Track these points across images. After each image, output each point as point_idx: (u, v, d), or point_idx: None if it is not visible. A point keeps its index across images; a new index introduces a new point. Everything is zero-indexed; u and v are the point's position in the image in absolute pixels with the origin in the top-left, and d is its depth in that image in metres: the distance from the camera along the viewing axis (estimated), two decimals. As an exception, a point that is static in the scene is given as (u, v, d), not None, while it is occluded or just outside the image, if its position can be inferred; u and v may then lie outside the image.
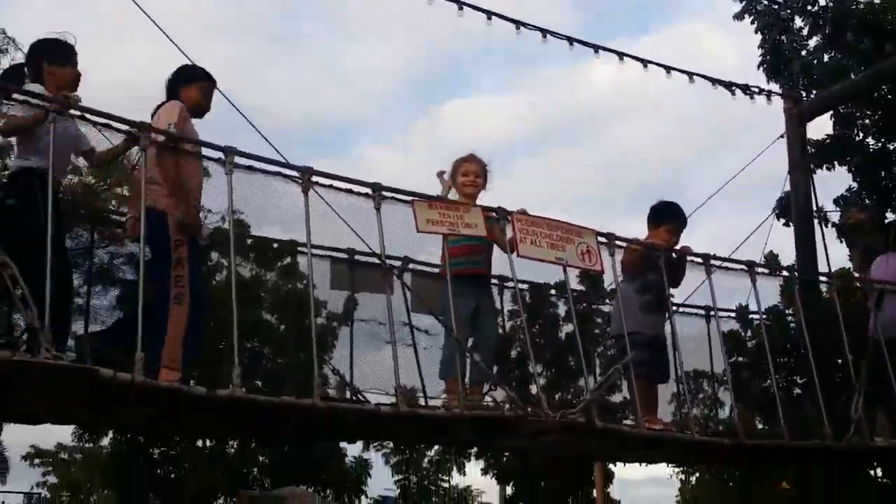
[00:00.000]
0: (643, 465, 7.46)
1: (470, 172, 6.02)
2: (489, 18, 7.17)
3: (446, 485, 42.36)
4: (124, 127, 4.72)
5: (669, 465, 8.16)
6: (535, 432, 5.10)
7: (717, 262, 6.06)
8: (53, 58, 5.03)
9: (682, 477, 37.63)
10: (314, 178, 5.02)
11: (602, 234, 5.58)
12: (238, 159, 4.88)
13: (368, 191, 5.16)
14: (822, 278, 7.75)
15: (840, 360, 7.24)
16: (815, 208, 8.76)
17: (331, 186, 5.12)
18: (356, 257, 6.02)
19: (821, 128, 16.17)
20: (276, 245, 5.60)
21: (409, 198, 5.26)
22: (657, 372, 6.04)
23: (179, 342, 4.77)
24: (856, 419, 6.29)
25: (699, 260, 6.04)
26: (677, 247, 6.24)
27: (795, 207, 8.79)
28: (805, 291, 7.86)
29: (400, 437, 9.15)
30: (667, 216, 6.45)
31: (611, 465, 33.02)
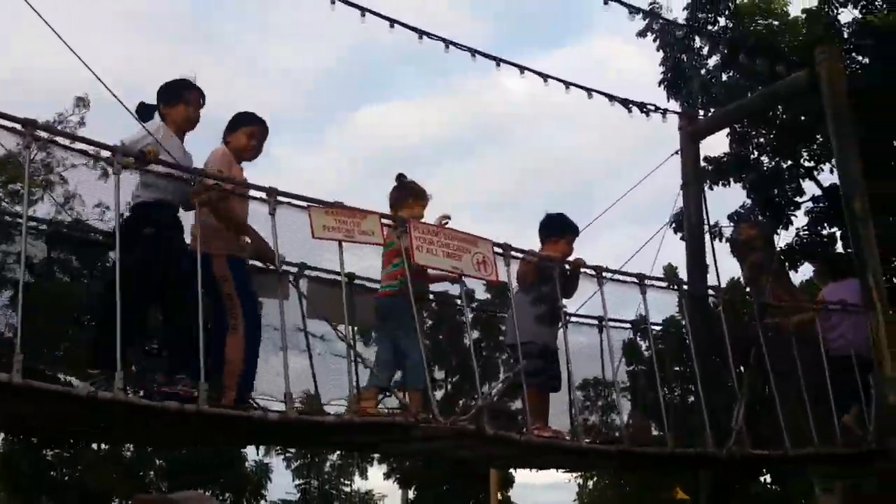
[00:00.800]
0: (534, 470, 7.59)
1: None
2: (392, 26, 7.21)
3: (348, 489, 42.15)
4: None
5: (559, 471, 8.37)
6: (427, 438, 5.14)
7: (609, 275, 6.22)
8: (167, 99, 5.43)
9: (580, 482, 38.47)
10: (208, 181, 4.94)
11: (498, 245, 5.66)
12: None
13: (263, 195, 5.11)
14: (710, 291, 8.03)
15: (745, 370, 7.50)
16: (706, 223, 9.08)
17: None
18: (251, 262, 5.94)
19: (719, 145, 16.84)
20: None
21: (306, 203, 5.23)
22: (549, 381, 6.16)
23: (236, 367, 5.18)
24: (737, 429, 6.55)
25: (592, 272, 6.19)
26: (571, 258, 6.37)
27: (688, 222, 9.10)
28: (695, 304, 8.14)
29: (291, 442, 9.07)
30: (566, 228, 6.56)
31: (511, 470, 33.54)
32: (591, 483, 37.60)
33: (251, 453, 36.77)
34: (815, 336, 8.07)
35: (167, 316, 5.21)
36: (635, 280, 6.45)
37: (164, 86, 5.49)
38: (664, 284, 6.73)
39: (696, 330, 8.00)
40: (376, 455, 27.84)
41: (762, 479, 27.77)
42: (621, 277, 6.40)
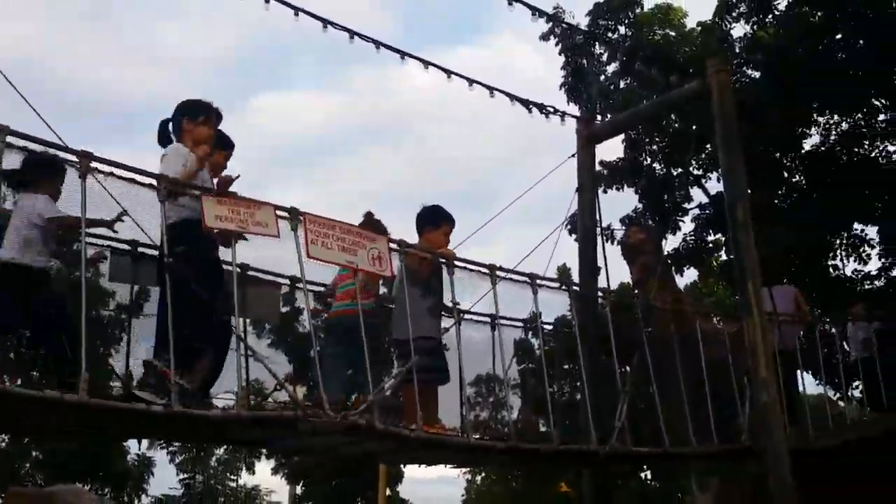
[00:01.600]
0: (423, 466, 7.61)
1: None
2: (296, 14, 7.09)
3: (234, 484, 41.33)
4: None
5: (448, 466, 8.43)
6: (316, 433, 5.08)
7: (502, 273, 6.29)
8: (194, 114, 5.48)
9: (469, 477, 38.91)
10: (94, 164, 4.74)
11: (394, 241, 5.65)
12: (14, 140, 4.61)
13: (153, 182, 4.95)
14: (600, 293, 8.23)
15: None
16: (599, 227, 9.29)
17: (111, 174, 4.86)
18: (139, 250, 5.76)
19: (614, 150, 17.31)
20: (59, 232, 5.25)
21: (198, 192, 5.09)
22: (439, 376, 6.17)
23: None
24: (619, 426, 6.74)
25: (486, 270, 6.24)
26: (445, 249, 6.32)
27: (581, 225, 9.29)
28: (584, 304, 8.33)
29: (177, 436, 8.82)
30: (443, 218, 6.55)
31: (401, 465, 33.62)
32: (479, 478, 38.07)
33: (133, 446, 35.66)
34: (696, 339, 8.45)
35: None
36: (527, 279, 6.55)
37: (192, 102, 5.59)
38: (555, 284, 6.85)
39: (585, 330, 8.21)
40: (264, 451, 27.40)
41: (644, 475, 28.74)
42: (514, 276, 6.48)
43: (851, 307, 11.66)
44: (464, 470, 38.48)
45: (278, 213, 5.26)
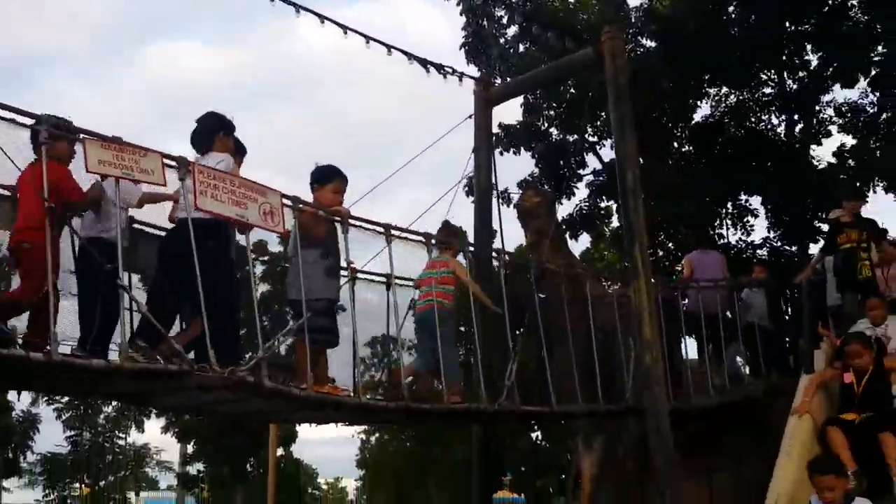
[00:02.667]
0: (315, 425, 7.54)
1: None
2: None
3: (123, 442, 40.32)
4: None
5: (340, 425, 8.34)
6: (202, 388, 4.95)
7: (397, 232, 6.24)
8: (228, 129, 5.86)
9: (363, 437, 39.12)
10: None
11: (287, 197, 5.51)
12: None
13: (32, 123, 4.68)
14: (493, 254, 8.26)
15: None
16: (495, 188, 9.35)
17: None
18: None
19: (513, 114, 17.42)
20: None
21: (83, 136, 4.83)
22: (329, 337, 6.09)
23: None
24: (508, 385, 6.84)
25: (380, 229, 6.18)
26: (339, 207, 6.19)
27: (477, 186, 9.33)
28: (479, 266, 8.38)
29: (60, 389, 8.47)
30: (330, 174, 6.40)
31: (295, 425, 33.49)
32: (373, 438, 38.30)
33: (19, 403, 34.22)
34: (587, 302, 8.64)
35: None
36: (422, 239, 6.52)
37: (222, 117, 5.93)
38: (415, 238, 6.81)
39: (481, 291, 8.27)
40: (153, 409, 26.72)
41: (535, 437, 29.52)
42: (409, 236, 6.44)
43: (755, 272, 11.85)
44: (358, 430, 38.74)
45: (166, 161, 5.04)
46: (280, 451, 36.10)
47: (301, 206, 5.58)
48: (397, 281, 6.81)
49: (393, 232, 6.21)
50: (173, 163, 5.13)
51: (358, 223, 6.07)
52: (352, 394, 6.03)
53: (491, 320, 7.71)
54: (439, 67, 8.41)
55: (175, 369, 4.57)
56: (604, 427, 10.74)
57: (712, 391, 9.44)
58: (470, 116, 9.10)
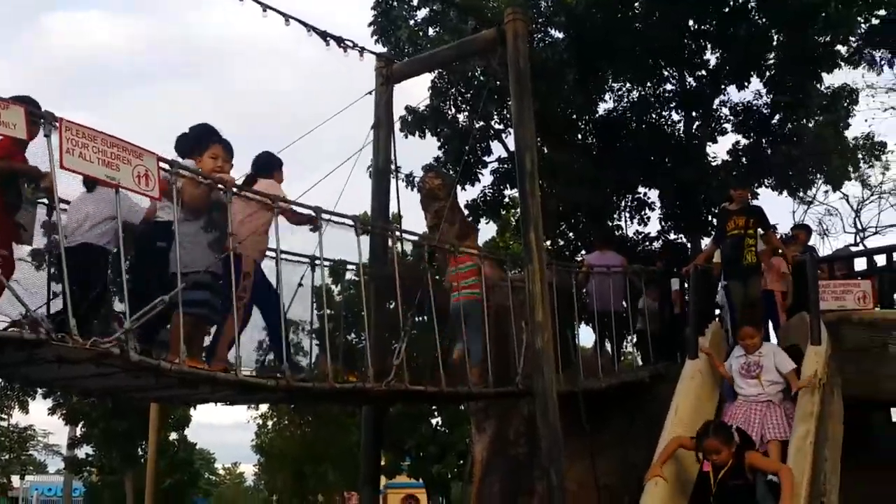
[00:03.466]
0: (195, 408, 7.27)
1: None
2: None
3: (5, 423, 38.49)
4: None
5: (220, 405, 8.06)
6: (62, 360, 4.66)
7: (285, 205, 6.03)
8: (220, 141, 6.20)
9: (260, 422, 38.56)
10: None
11: (165, 161, 5.24)
12: None
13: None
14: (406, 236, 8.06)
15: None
16: (394, 166, 9.23)
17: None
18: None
19: (421, 97, 17.29)
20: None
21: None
22: (207, 311, 5.85)
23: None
24: (396, 364, 6.74)
25: (268, 201, 5.96)
26: (225, 175, 5.96)
27: (375, 164, 9.18)
28: (377, 246, 8.26)
29: None
30: (208, 138, 6.13)
31: (192, 410, 32.70)
32: (270, 423, 37.80)
33: None
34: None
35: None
36: (312, 212, 6.34)
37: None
38: (342, 220, 6.67)
39: (376, 272, 8.18)
40: (39, 390, 25.62)
41: (435, 423, 29.60)
42: (298, 209, 6.24)
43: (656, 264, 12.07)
44: (254, 415, 38.16)
45: (30, 112, 4.70)
46: (174, 436, 35.24)
47: (179, 170, 5.31)
48: (285, 257, 6.66)
49: (280, 204, 5.99)
50: (39, 118, 4.80)
51: (244, 193, 5.82)
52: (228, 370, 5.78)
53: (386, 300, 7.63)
54: (339, 41, 8.20)
55: (30, 338, 4.28)
56: (496, 411, 10.80)
57: (601, 375, 9.57)
58: (370, 92, 8.94)
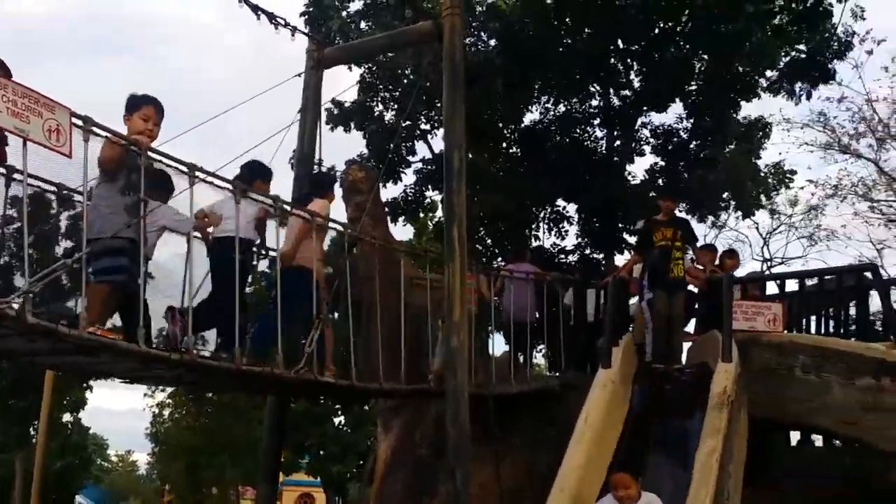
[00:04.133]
0: (95, 379, 6.87)
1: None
2: None
3: None
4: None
5: (120, 381, 7.59)
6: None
7: (203, 175, 5.73)
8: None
9: (156, 410, 37.48)
10: None
11: (78, 117, 4.91)
12: None
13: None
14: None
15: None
16: (318, 150, 9.00)
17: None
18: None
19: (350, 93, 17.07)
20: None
21: None
22: (116, 278, 5.52)
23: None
24: (308, 352, 6.52)
25: (184, 168, 5.66)
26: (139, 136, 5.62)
27: (299, 150, 8.93)
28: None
29: None
30: (142, 100, 5.78)
31: (87, 394, 31.48)
32: (166, 412, 36.80)
33: None
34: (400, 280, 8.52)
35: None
36: (229, 186, 6.07)
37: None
38: (260, 197, 6.43)
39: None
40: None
41: (338, 422, 29.21)
42: (216, 181, 5.96)
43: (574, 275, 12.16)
44: (151, 403, 36.98)
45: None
46: (68, 417, 33.78)
47: (93, 128, 4.99)
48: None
49: (198, 174, 5.70)
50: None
51: (159, 157, 5.52)
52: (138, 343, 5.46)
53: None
54: (271, 17, 7.92)
55: None
56: (405, 410, 10.65)
57: (514, 381, 9.54)
58: (299, 75, 8.69)
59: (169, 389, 32.39)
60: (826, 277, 9.54)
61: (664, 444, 7.65)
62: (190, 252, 6.17)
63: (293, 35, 8.22)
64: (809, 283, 9.75)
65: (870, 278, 8.51)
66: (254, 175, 6.91)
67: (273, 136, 7.33)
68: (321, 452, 28.81)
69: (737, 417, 7.32)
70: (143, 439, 41.60)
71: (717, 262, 10.76)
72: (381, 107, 16.31)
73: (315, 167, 9.01)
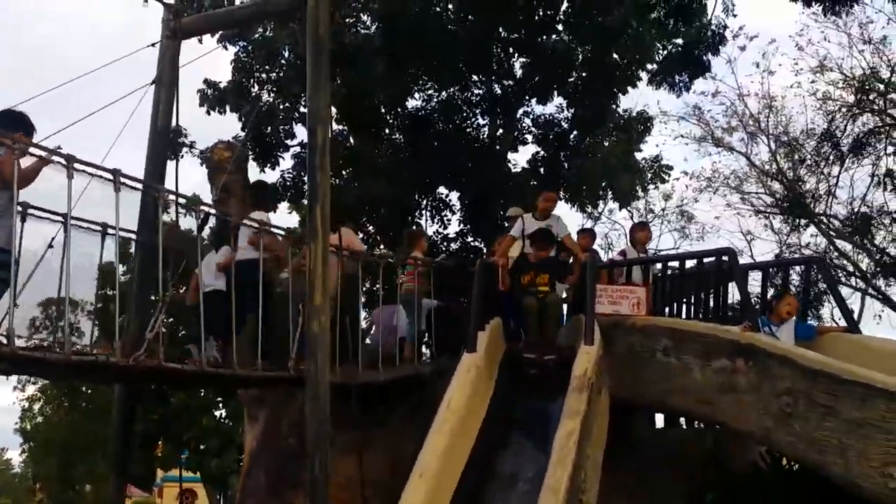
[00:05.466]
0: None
1: None
2: None
3: None
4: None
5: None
6: None
7: (80, 166, 5.25)
8: None
9: (26, 405, 35.70)
10: None
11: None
12: None
13: None
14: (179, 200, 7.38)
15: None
16: (176, 125, 8.54)
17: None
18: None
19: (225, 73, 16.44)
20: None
21: None
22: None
23: None
24: (150, 337, 6.12)
25: (63, 161, 5.21)
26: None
27: (153, 124, 8.41)
28: (143, 208, 7.55)
29: None
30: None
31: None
32: (36, 407, 35.09)
33: None
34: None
35: None
36: (109, 176, 5.65)
37: None
38: (134, 184, 6.00)
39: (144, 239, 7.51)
40: None
41: (218, 414, 28.42)
42: (91, 171, 5.51)
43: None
44: (21, 397, 35.13)
45: None
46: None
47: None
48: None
49: (76, 165, 5.25)
50: None
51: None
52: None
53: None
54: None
55: None
56: (271, 400, 10.30)
57: (381, 368, 9.32)
58: (154, 44, 8.18)
59: (41, 382, 30.99)
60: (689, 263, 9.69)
61: (526, 427, 7.57)
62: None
63: (146, 1, 7.72)
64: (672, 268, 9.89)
65: (727, 262, 8.67)
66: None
67: (110, 106, 6.82)
68: (201, 447, 27.99)
69: (597, 399, 7.31)
70: (12, 436, 39.64)
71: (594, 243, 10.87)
72: (257, 87, 15.76)
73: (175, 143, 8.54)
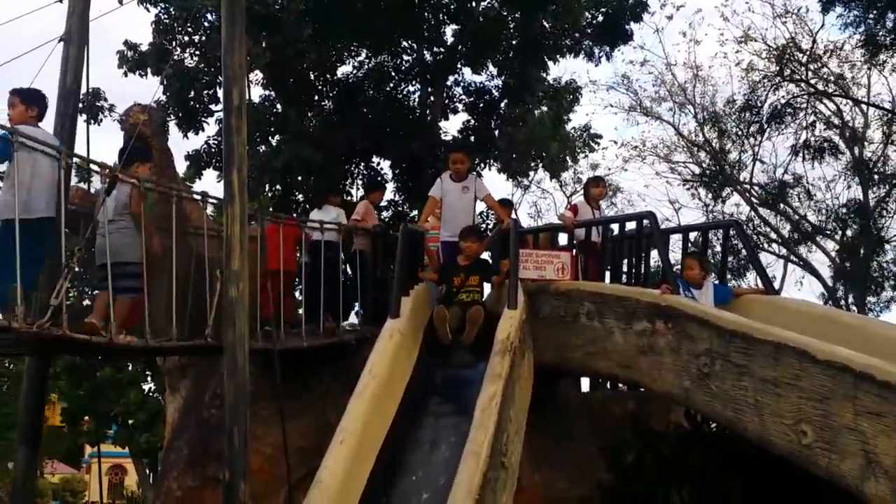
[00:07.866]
0: None
1: None
2: None
3: None
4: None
5: None
6: None
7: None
8: None
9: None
10: None
11: None
12: None
13: None
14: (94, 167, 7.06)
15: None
16: (87, 86, 8.20)
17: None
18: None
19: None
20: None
21: None
22: None
23: None
24: (55, 304, 5.86)
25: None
26: None
27: (61, 84, 8.04)
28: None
29: None
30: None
31: None
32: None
33: None
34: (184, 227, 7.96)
35: None
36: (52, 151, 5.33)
37: None
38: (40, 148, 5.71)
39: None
40: None
41: (146, 388, 27.90)
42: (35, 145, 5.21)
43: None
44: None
45: None
46: None
47: None
48: None
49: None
50: None
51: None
52: None
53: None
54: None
55: None
56: (192, 371, 10.08)
57: (304, 336, 9.17)
58: (60, 0, 7.79)
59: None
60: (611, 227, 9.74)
61: (451, 392, 7.53)
62: None
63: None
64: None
65: (647, 226, 8.73)
66: None
67: (14, 62, 6.48)
68: (129, 422, 27.47)
69: (520, 363, 7.30)
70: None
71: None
72: (179, 50, 15.28)
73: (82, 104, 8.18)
